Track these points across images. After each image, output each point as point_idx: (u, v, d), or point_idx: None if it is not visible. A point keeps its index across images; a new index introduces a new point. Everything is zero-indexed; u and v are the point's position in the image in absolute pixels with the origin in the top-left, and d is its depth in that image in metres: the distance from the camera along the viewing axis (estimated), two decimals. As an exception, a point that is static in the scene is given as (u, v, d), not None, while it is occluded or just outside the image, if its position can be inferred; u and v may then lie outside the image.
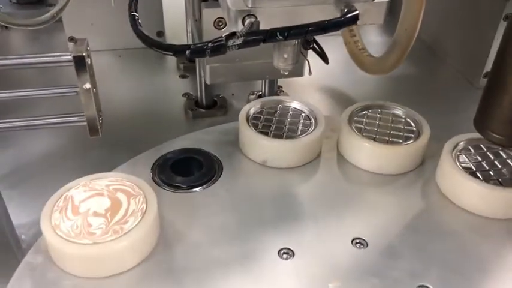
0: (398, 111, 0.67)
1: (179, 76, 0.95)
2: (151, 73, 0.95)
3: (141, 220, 0.49)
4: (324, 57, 0.65)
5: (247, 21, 0.46)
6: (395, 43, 0.59)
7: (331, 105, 0.85)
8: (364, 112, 0.67)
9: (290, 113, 0.67)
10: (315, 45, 0.63)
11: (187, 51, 0.46)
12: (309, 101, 0.69)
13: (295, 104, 0.67)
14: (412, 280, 0.49)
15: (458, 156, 0.60)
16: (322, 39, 0.61)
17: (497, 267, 0.51)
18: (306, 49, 0.61)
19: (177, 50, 0.48)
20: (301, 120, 0.65)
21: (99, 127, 0.48)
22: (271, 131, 0.63)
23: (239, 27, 0.46)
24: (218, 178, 0.60)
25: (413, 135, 0.63)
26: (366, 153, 0.62)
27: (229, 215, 0.56)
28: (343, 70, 0.90)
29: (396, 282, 0.49)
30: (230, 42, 0.44)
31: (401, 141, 0.62)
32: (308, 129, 0.64)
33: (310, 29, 0.44)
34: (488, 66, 0.81)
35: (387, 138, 0.63)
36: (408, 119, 0.66)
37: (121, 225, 0.48)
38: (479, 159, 0.60)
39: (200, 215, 0.55)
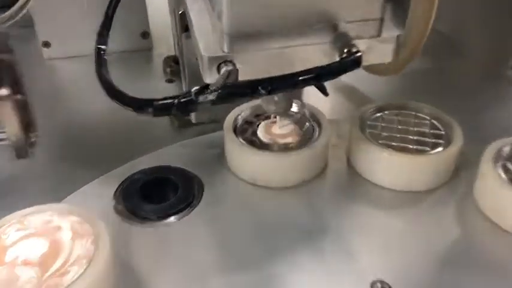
0: (422, 112, 0.54)
1: (165, 81, 0.84)
2: (135, 78, 0.84)
3: (86, 270, 0.36)
4: (321, 88, 0.54)
5: (223, 70, 0.36)
6: (404, 42, 0.53)
7: (336, 108, 0.72)
8: (379, 114, 0.54)
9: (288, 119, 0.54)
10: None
11: (150, 109, 0.37)
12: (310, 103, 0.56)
13: (292, 107, 0.54)
14: None
15: (503, 166, 0.47)
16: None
17: None
18: None
19: (139, 106, 0.38)
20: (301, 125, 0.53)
21: (27, 147, 0.36)
22: (264, 142, 0.51)
23: (214, 78, 0.37)
24: (197, 204, 0.48)
25: (442, 141, 0.50)
26: (383, 166, 0.49)
27: (211, 253, 0.43)
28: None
29: None
30: (201, 98, 0.35)
31: (428, 148, 0.49)
32: (310, 138, 0.51)
33: (301, 78, 0.35)
34: None
35: (410, 146, 0.50)
36: (434, 121, 0.53)
37: (58, 278, 0.36)
38: (531, 169, 0.47)
39: (174, 255, 0.43)
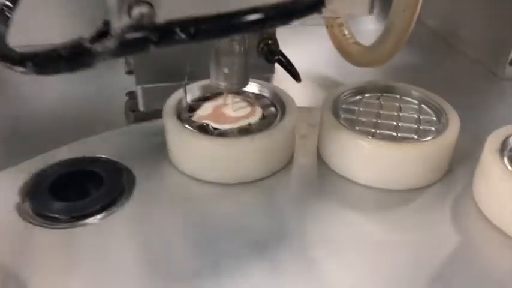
0: (409, 95, 0.45)
1: (126, 72, 0.75)
2: (93, 70, 0.75)
3: None
4: (294, 74, 0.50)
5: (135, 11, 0.26)
6: (390, 27, 0.49)
7: (311, 97, 0.63)
8: (357, 97, 0.45)
9: (244, 99, 0.44)
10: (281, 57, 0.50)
11: (29, 63, 0.26)
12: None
13: (252, 88, 0.44)
14: None
15: (509, 158, 0.37)
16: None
17: None
18: (270, 62, 0.48)
19: (16, 60, 0.27)
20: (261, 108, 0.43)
21: None
22: (214, 128, 0.41)
23: (123, 22, 0.27)
24: (125, 202, 0.38)
25: (433, 128, 0.41)
26: (361, 158, 0.39)
27: (133, 267, 0.33)
28: (327, 58, 0.70)
29: None
30: (98, 47, 0.25)
31: (416, 136, 0.40)
32: (272, 122, 0.41)
33: (237, 20, 0.25)
34: None
35: (394, 134, 0.40)
36: (424, 106, 0.44)
37: None
38: (544, 161, 0.37)
39: (87, 265, 0.33)
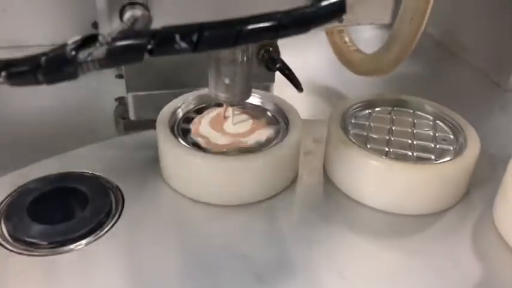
0: (423, 110, 0.42)
1: (115, 76, 0.73)
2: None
3: None
4: (295, 82, 0.48)
5: (127, 15, 0.23)
6: (396, 36, 0.47)
7: (313, 107, 0.60)
8: (367, 111, 0.42)
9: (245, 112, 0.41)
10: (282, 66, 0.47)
11: (3, 73, 0.23)
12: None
13: (252, 99, 0.41)
14: None
15: (534, 182, 0.34)
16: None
17: None
18: (271, 71, 0.46)
19: None
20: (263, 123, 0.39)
21: None
22: (210, 143, 0.37)
23: (114, 27, 0.24)
24: (113, 225, 0.34)
25: (451, 148, 0.37)
26: (372, 179, 0.36)
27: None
28: (329, 67, 0.67)
29: None
30: (82, 55, 0.22)
31: (433, 156, 0.36)
32: (274, 138, 0.38)
33: (246, 28, 0.22)
34: None
35: (409, 153, 0.37)
36: (439, 122, 0.40)
37: None
38: None
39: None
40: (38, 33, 0.74)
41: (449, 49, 0.78)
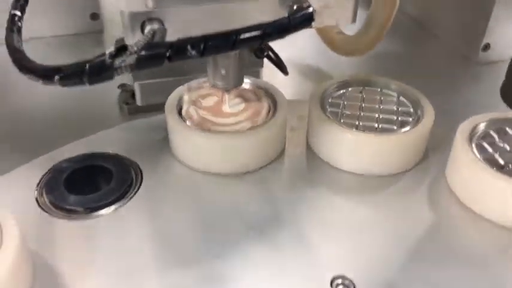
0: (388, 88, 0.49)
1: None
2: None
3: (-15, 272, 0.30)
4: (281, 67, 0.53)
5: (148, 28, 0.30)
6: (372, 19, 0.51)
7: (297, 90, 0.66)
8: (341, 91, 0.49)
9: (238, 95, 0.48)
10: (270, 52, 0.53)
11: (56, 77, 0.30)
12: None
13: (245, 85, 0.48)
14: None
15: (478, 146, 0.42)
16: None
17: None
18: (259, 58, 0.51)
19: (43, 74, 0.31)
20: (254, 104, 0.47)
21: None
22: (211, 123, 0.44)
23: (137, 39, 0.30)
24: (134, 194, 0.41)
25: (411, 119, 0.45)
26: (346, 147, 0.43)
27: (147, 251, 0.37)
28: (313, 48, 0.73)
29: None
30: (118, 62, 0.29)
31: (395, 127, 0.44)
32: (264, 117, 0.45)
33: (239, 37, 0.29)
34: (489, 37, 0.68)
35: (375, 125, 0.44)
36: (403, 98, 0.48)
37: None
38: (508, 148, 0.42)
39: (104, 251, 0.37)
40: (37, 26, 0.76)
41: (424, 27, 0.82)
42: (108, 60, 0.28)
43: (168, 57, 0.28)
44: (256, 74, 0.57)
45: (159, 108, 0.54)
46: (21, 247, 0.32)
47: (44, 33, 0.78)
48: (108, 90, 0.67)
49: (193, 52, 0.28)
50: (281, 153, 0.46)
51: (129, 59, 0.28)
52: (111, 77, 0.29)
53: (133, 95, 0.66)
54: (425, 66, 0.73)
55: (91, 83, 0.29)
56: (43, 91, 0.65)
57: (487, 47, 0.70)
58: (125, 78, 0.72)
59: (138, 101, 0.58)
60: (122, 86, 0.69)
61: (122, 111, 0.64)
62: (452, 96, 0.65)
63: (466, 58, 0.72)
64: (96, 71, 0.29)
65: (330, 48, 0.61)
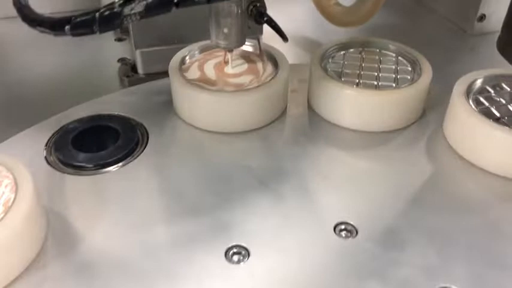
0: (387, 49, 0.50)
1: (115, 39, 0.77)
2: (82, 38, 0.77)
3: (2, 219, 0.31)
4: (281, 33, 0.50)
5: None
6: None
7: (296, 56, 0.67)
8: (341, 52, 0.50)
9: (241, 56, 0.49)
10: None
11: (67, 27, 0.31)
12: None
13: (245, 46, 0.49)
14: (427, 280, 0.32)
15: (474, 100, 0.43)
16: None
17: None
18: (260, 23, 0.48)
19: (54, 25, 0.32)
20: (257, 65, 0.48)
21: None
22: (215, 83, 0.45)
23: None
24: (141, 152, 0.43)
25: (409, 77, 0.46)
26: (347, 105, 0.44)
27: (155, 203, 0.38)
28: (311, 20, 0.74)
29: (404, 286, 0.32)
30: (127, 10, 0.30)
31: (394, 84, 0.45)
32: (266, 76, 0.46)
33: None
34: (484, 7, 0.69)
35: (375, 83, 0.45)
36: (401, 57, 0.49)
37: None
38: (504, 101, 0.43)
39: (113, 206, 0.38)
40: (36, 3, 0.79)
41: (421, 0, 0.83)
42: (118, 8, 0.29)
43: (175, 4, 0.29)
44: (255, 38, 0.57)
45: (159, 79, 0.56)
46: (36, 199, 0.33)
47: (44, 10, 0.79)
48: (108, 64, 0.68)
49: (201, -3, 0.29)
50: (283, 112, 0.47)
51: (138, 6, 0.29)
52: (120, 25, 0.30)
53: (133, 68, 0.67)
54: (421, 38, 0.73)
55: (101, 31, 0.30)
56: (43, 64, 0.67)
57: (482, 17, 0.70)
58: (124, 51, 0.73)
59: (140, 70, 0.59)
60: (122, 60, 0.70)
61: (123, 84, 0.65)
62: (448, 65, 0.65)
63: (461, 30, 0.73)
64: (106, 20, 0.29)
65: (327, 19, 0.62)
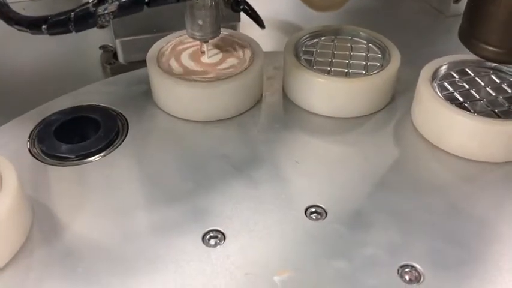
0: (358, 36, 0.52)
1: (97, 27, 0.78)
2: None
3: (-12, 211, 0.33)
4: (258, 20, 0.53)
5: None
6: None
7: (273, 43, 0.68)
8: (314, 40, 0.52)
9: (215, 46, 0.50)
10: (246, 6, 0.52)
11: (43, 26, 0.32)
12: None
13: (222, 36, 0.50)
14: (391, 258, 0.35)
15: (439, 86, 0.45)
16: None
17: (502, 229, 0.37)
18: (236, 11, 0.51)
19: (31, 24, 0.33)
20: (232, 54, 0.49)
21: None
22: (191, 73, 0.47)
23: None
24: (121, 142, 0.44)
25: (378, 64, 0.48)
26: (318, 92, 0.46)
27: (135, 191, 0.40)
28: (288, 4, 0.76)
29: (369, 264, 0.34)
30: (101, 10, 0.32)
31: (364, 72, 0.47)
32: (242, 65, 0.47)
33: None
34: None
35: (346, 70, 0.47)
36: (371, 45, 0.51)
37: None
38: (467, 86, 0.45)
39: (95, 195, 0.40)
40: None
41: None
42: (92, 8, 0.31)
43: (147, 3, 0.31)
44: (233, 28, 0.59)
45: (141, 67, 0.56)
46: (20, 190, 0.35)
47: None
48: (90, 52, 0.68)
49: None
50: (258, 100, 0.49)
51: (111, 6, 0.30)
52: (94, 24, 0.31)
53: (114, 55, 0.68)
54: (397, 21, 0.75)
55: (77, 30, 0.31)
56: (25, 54, 0.67)
57: (458, -1, 0.71)
58: (105, 39, 0.74)
59: (120, 58, 0.60)
60: (103, 47, 0.71)
61: (105, 71, 0.66)
62: (426, 47, 0.67)
63: (438, 11, 0.75)
64: (80, 19, 0.31)
65: (306, 4, 0.63)
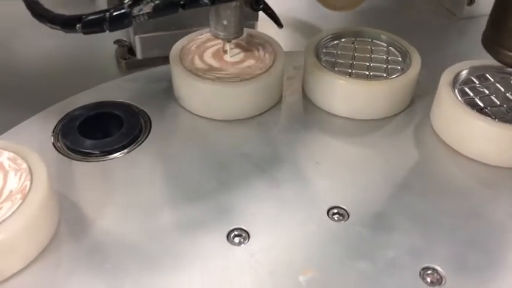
0: (379, 39, 0.52)
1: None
2: (78, 19, 0.77)
3: (20, 205, 0.33)
4: (276, 20, 0.53)
5: None
6: None
7: (291, 42, 0.68)
8: (335, 42, 0.52)
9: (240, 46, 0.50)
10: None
11: (78, 25, 0.32)
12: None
13: (245, 36, 0.51)
14: (413, 261, 0.35)
15: (460, 90, 0.45)
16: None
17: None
18: (255, 10, 0.51)
19: (65, 23, 0.34)
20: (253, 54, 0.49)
21: None
22: (215, 72, 0.47)
23: None
24: (145, 139, 0.45)
25: (399, 67, 0.48)
26: (339, 94, 0.47)
27: (159, 188, 0.40)
28: (305, 4, 0.75)
29: (392, 266, 0.35)
30: (136, 11, 0.32)
31: (385, 75, 0.47)
32: (263, 65, 0.48)
33: None
34: None
35: (367, 73, 0.48)
36: (392, 48, 0.51)
37: (-12, 216, 0.32)
38: (487, 92, 0.46)
39: (120, 191, 0.40)
40: None
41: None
42: (127, 9, 0.31)
43: (182, 5, 0.31)
44: (251, 27, 0.59)
45: (156, 62, 0.57)
46: (50, 185, 0.35)
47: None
48: (105, 46, 0.68)
49: (206, 0, 0.31)
50: (279, 100, 0.50)
51: (146, 7, 0.31)
52: (129, 24, 0.32)
53: (129, 50, 0.68)
54: (412, 22, 0.74)
55: (112, 30, 0.32)
56: (39, 48, 0.67)
57: (472, 1, 0.71)
58: (120, 33, 0.74)
59: (139, 55, 0.60)
60: (118, 42, 0.71)
61: (120, 66, 0.66)
62: (439, 49, 0.67)
63: (451, 13, 0.75)
64: (116, 19, 0.31)
65: (322, 4, 0.64)
